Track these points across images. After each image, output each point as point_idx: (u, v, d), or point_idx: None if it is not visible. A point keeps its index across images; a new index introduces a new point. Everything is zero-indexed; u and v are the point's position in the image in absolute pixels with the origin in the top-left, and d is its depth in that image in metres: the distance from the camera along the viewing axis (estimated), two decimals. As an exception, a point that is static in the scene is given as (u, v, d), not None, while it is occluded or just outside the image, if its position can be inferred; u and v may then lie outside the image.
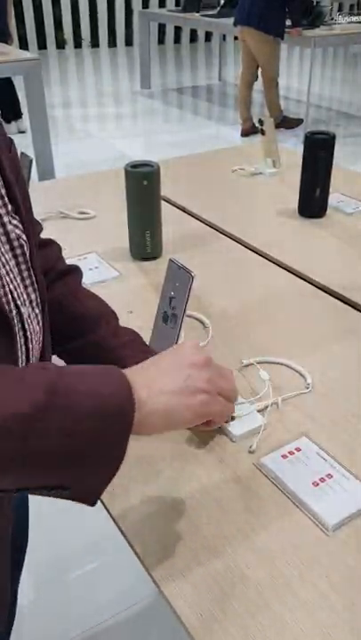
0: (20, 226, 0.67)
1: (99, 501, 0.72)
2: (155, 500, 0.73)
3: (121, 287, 1.19)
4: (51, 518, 1.85)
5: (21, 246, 0.67)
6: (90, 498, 0.56)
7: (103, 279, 1.22)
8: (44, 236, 0.95)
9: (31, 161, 1.35)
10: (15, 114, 5.61)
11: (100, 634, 1.59)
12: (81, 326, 0.87)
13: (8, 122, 5.61)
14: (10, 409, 0.50)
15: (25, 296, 0.68)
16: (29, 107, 3.87)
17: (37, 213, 1.47)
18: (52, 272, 0.89)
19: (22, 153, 1.38)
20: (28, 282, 0.68)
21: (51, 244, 0.95)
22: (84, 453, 0.53)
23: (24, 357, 0.68)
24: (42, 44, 10.18)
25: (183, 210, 1.57)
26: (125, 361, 0.82)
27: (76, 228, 1.47)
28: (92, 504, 0.57)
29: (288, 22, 5.12)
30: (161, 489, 0.75)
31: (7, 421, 0.49)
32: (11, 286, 0.63)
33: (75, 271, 0.94)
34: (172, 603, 0.62)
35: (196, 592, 0.63)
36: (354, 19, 5.95)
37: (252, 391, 0.90)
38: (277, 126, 4.52)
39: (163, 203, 1.32)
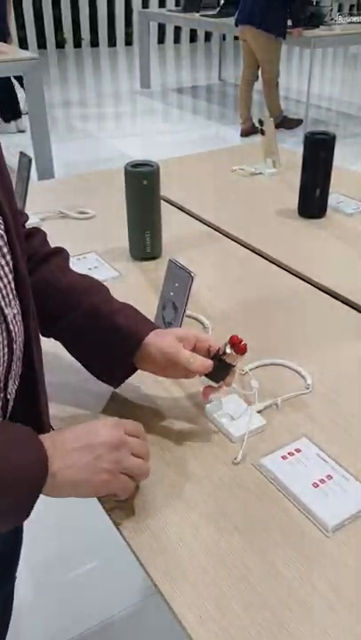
0: (3, 225, 0.66)
1: (97, 502, 0.73)
2: (153, 500, 0.73)
3: (120, 287, 1.19)
4: (48, 518, 1.85)
5: (6, 245, 0.66)
6: None
7: (102, 279, 1.20)
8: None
9: (30, 160, 1.35)
10: (14, 113, 5.61)
11: (98, 634, 1.59)
12: (71, 299, 0.86)
13: (7, 121, 5.60)
14: None
15: (11, 296, 0.67)
16: (29, 106, 3.87)
17: (36, 213, 1.48)
18: (35, 256, 0.89)
19: (21, 152, 1.38)
20: (10, 280, 0.68)
21: (36, 232, 0.94)
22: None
23: (6, 358, 0.68)
24: (41, 44, 10.17)
25: (183, 210, 1.57)
26: (122, 327, 0.82)
27: (75, 227, 1.46)
28: None
29: (289, 22, 5.12)
30: (159, 489, 0.74)
31: None
32: None
33: (60, 252, 0.93)
34: (171, 603, 0.62)
35: (194, 593, 0.63)
36: (354, 19, 5.95)
37: (253, 391, 0.90)
38: (277, 126, 4.52)
39: (162, 203, 1.31)
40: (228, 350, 0.80)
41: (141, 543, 0.68)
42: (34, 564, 1.75)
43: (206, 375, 0.82)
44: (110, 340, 0.83)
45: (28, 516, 0.62)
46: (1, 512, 0.61)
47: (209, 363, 0.80)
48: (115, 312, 0.85)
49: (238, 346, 0.80)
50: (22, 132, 5.52)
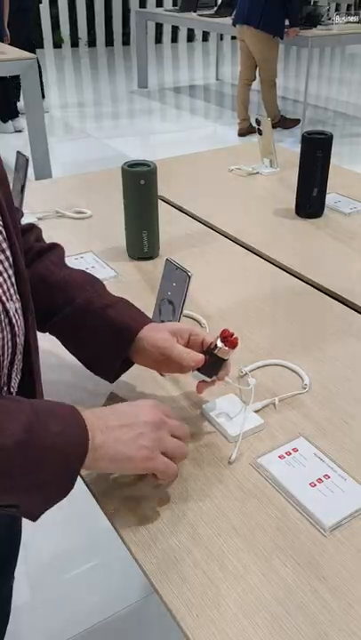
0: (1, 221, 0.66)
1: (95, 502, 0.73)
2: (151, 500, 0.73)
3: (118, 287, 1.19)
4: (46, 517, 1.85)
5: (5, 241, 0.66)
6: (34, 516, 0.65)
7: (100, 279, 1.21)
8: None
9: (28, 160, 1.34)
10: (11, 113, 5.60)
11: (96, 634, 1.59)
12: (66, 293, 0.86)
13: (4, 121, 5.60)
14: None
15: (12, 291, 0.67)
16: (26, 106, 3.87)
17: (34, 213, 1.48)
18: (30, 251, 0.89)
19: (18, 152, 1.37)
20: (11, 274, 0.68)
21: (31, 228, 0.94)
22: (42, 483, 0.62)
23: (10, 352, 0.68)
24: (39, 43, 10.15)
25: (180, 209, 1.57)
26: (115, 321, 0.83)
27: (72, 227, 1.46)
28: (34, 520, 0.65)
29: (286, 22, 5.12)
30: (157, 489, 0.74)
31: None
32: None
33: (55, 248, 0.93)
34: (169, 603, 0.62)
35: (192, 593, 0.63)
36: (351, 19, 5.95)
37: (250, 390, 0.90)
38: (275, 126, 4.52)
39: (160, 202, 1.31)
40: (220, 344, 0.80)
41: (139, 543, 0.68)
42: (32, 564, 1.75)
43: (199, 370, 0.82)
44: (104, 335, 0.83)
45: (69, 490, 0.63)
46: (44, 485, 0.62)
47: (200, 357, 0.80)
48: (109, 306, 0.85)
49: (229, 340, 0.80)
50: (19, 131, 5.52)
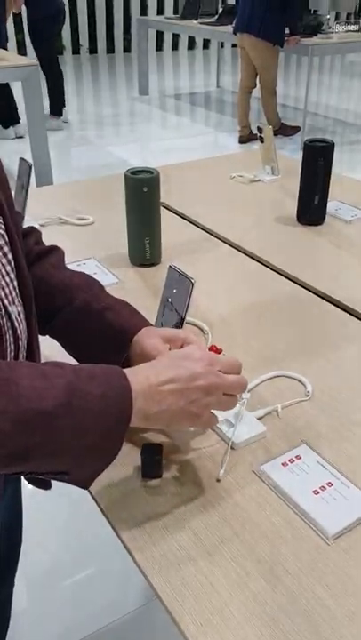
0: (3, 224, 0.67)
1: (98, 509, 0.73)
2: (154, 507, 0.73)
3: (120, 293, 1.18)
4: (46, 523, 1.84)
5: (6, 244, 0.67)
6: (85, 483, 0.64)
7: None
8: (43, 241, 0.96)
9: (31, 167, 1.35)
10: (12, 119, 5.62)
11: (96, 642, 1.58)
12: (65, 295, 0.86)
13: (5, 127, 5.61)
14: (34, 404, 0.57)
15: (14, 294, 0.68)
16: (27, 112, 3.88)
17: (36, 219, 1.48)
18: (30, 254, 0.89)
19: (21, 159, 1.38)
20: (13, 278, 0.68)
21: (31, 231, 0.94)
22: (89, 447, 0.61)
23: (13, 355, 0.68)
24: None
25: (182, 216, 1.57)
26: (113, 323, 0.83)
27: (74, 233, 1.47)
28: (86, 488, 0.65)
29: (286, 31, 5.15)
30: (160, 497, 0.74)
31: (32, 417, 0.57)
32: None
33: (54, 250, 0.93)
34: (172, 611, 0.62)
35: (195, 600, 0.62)
36: (351, 27, 5.98)
37: (253, 399, 0.90)
38: (275, 133, 4.53)
39: (162, 209, 1.32)
40: None
41: (142, 550, 0.68)
42: (32, 570, 1.75)
43: None
44: (103, 337, 0.84)
45: (116, 454, 0.64)
46: (89, 449, 0.61)
47: None
48: (107, 308, 0.85)
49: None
50: (21, 137, 5.53)
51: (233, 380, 0.72)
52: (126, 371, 0.66)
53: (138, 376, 0.66)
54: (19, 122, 5.60)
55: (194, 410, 0.68)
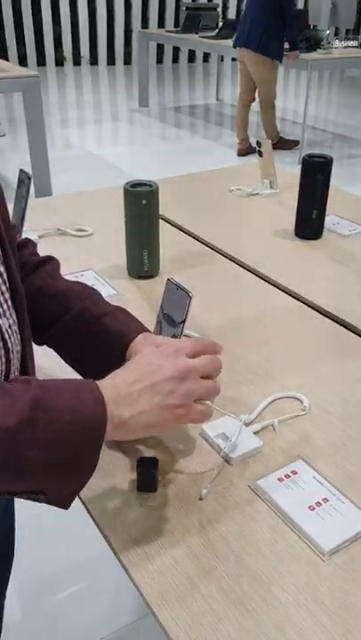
0: None
1: (94, 524, 0.72)
2: (149, 521, 0.73)
3: (118, 305, 1.19)
4: (39, 536, 1.83)
5: (0, 256, 0.67)
6: (62, 503, 0.61)
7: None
8: (41, 253, 0.96)
9: (30, 178, 1.35)
10: None
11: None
12: (62, 304, 0.86)
13: None
14: None
15: (5, 307, 0.68)
16: (28, 124, 3.90)
17: (35, 230, 1.48)
18: (26, 265, 0.89)
19: (21, 170, 1.38)
20: (4, 290, 0.68)
21: (26, 243, 0.94)
22: (60, 463, 0.59)
23: (3, 368, 0.68)
24: (41, 61, 10.27)
25: (180, 229, 1.58)
26: (111, 329, 0.82)
27: (73, 245, 1.47)
28: (64, 508, 0.62)
29: (286, 45, 5.19)
30: (155, 511, 0.74)
31: None
32: None
33: (50, 260, 0.93)
34: (167, 628, 0.61)
35: (190, 616, 0.62)
36: (350, 43, 6.04)
37: (250, 411, 0.90)
38: (274, 147, 4.54)
39: (160, 221, 1.32)
40: None
41: (136, 565, 0.67)
42: (24, 583, 1.73)
43: None
44: (100, 343, 0.83)
45: (92, 468, 0.61)
46: (62, 464, 0.59)
47: None
48: (105, 315, 0.85)
49: None
50: (3, 136, 5.56)
51: (204, 359, 0.69)
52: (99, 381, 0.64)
53: (104, 383, 0.64)
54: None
55: (174, 402, 0.65)
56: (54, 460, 0.58)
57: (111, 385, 0.64)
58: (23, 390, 0.58)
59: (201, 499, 0.76)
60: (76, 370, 0.88)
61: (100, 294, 0.90)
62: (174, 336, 0.92)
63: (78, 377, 0.87)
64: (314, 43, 5.68)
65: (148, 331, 0.86)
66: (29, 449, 0.56)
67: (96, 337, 0.84)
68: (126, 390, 0.64)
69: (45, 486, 0.59)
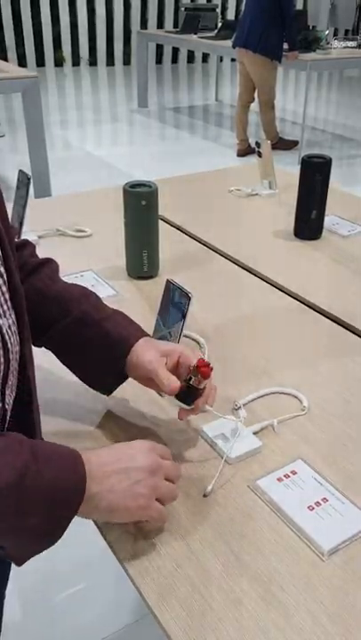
0: None
1: (93, 524, 0.72)
2: (148, 523, 0.73)
3: (117, 306, 1.18)
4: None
5: None
6: (18, 561, 0.63)
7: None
8: (40, 254, 0.96)
9: (30, 179, 1.35)
10: None
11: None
12: (62, 306, 0.86)
13: None
14: None
15: (5, 307, 0.68)
16: (27, 124, 3.90)
17: (34, 231, 1.48)
18: (25, 267, 0.89)
19: (20, 170, 1.38)
20: (4, 291, 0.68)
21: (25, 244, 0.94)
22: (28, 528, 0.60)
23: (2, 368, 0.68)
24: (40, 62, 10.27)
25: (180, 229, 1.58)
26: (111, 333, 0.83)
27: (73, 245, 1.47)
28: (18, 565, 0.64)
29: (285, 46, 5.19)
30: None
31: None
32: None
33: (49, 262, 0.93)
34: (167, 627, 0.61)
35: (190, 617, 0.62)
36: (349, 44, 6.04)
37: (248, 410, 0.90)
38: (273, 148, 4.56)
39: (160, 222, 1.32)
40: (193, 374, 0.78)
41: (136, 565, 0.68)
42: (23, 584, 1.73)
43: (176, 397, 0.80)
44: (100, 347, 0.84)
45: (57, 538, 0.62)
46: (30, 530, 0.60)
47: (176, 385, 0.78)
48: (105, 318, 0.85)
49: (201, 370, 0.78)
50: (2, 136, 5.57)
51: (171, 464, 0.72)
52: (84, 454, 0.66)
53: (94, 459, 0.66)
54: None
55: (140, 490, 0.66)
56: (24, 525, 0.60)
57: (86, 460, 0.66)
58: (15, 453, 0.60)
59: (205, 495, 0.76)
60: (73, 372, 0.88)
61: (98, 297, 0.90)
62: (173, 338, 0.93)
63: (76, 383, 0.88)
64: (314, 41, 5.67)
65: (147, 335, 0.86)
66: (6, 511, 0.58)
67: (96, 341, 0.84)
68: (100, 468, 0.66)
69: (7, 544, 0.62)
